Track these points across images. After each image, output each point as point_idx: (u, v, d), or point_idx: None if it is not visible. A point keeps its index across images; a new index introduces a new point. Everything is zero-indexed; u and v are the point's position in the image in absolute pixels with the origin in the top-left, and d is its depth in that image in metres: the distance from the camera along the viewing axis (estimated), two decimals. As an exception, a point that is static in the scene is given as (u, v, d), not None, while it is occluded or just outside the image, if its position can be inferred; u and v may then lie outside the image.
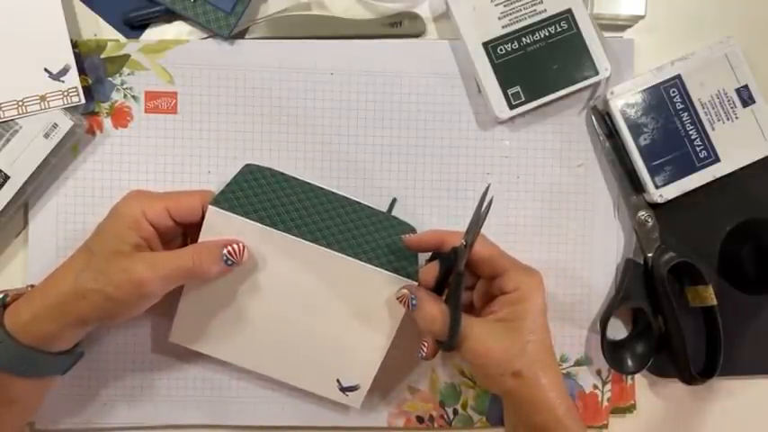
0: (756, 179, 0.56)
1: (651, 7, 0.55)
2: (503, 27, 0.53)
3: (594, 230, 0.56)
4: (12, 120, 0.50)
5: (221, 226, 0.46)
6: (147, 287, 0.44)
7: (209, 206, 0.46)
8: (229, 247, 0.45)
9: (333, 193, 0.53)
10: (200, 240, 0.47)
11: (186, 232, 0.50)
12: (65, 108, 0.51)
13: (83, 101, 0.51)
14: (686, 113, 0.54)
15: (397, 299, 0.47)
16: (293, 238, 0.46)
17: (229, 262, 0.45)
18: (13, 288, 0.47)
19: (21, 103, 0.50)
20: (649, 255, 0.55)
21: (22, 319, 0.44)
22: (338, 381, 0.52)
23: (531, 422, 0.45)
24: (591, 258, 0.56)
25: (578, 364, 0.57)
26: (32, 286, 0.48)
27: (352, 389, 0.52)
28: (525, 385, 0.45)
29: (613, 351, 0.55)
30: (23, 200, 0.52)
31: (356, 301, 0.49)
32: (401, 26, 0.55)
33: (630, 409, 0.57)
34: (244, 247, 0.46)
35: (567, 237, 0.56)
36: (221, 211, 0.46)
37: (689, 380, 0.54)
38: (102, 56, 0.53)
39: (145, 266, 0.44)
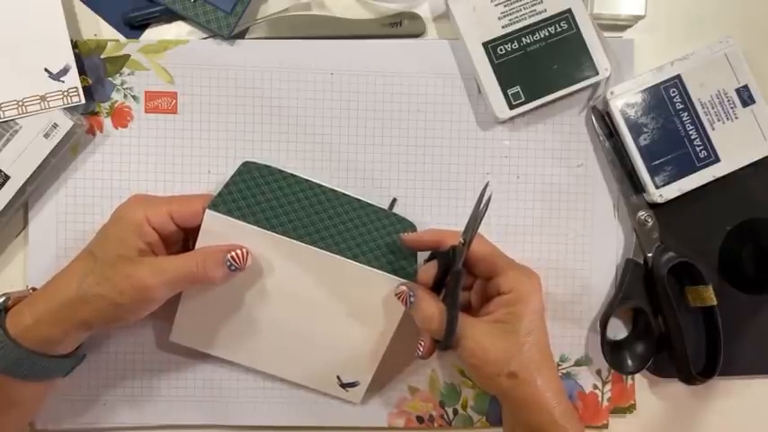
0: (756, 179, 0.56)
1: (651, 7, 0.55)
2: (503, 27, 0.53)
3: (594, 230, 0.56)
4: (12, 120, 0.50)
5: (219, 230, 0.46)
6: (151, 293, 0.44)
7: (207, 210, 0.46)
8: (233, 253, 0.45)
9: (332, 190, 0.53)
10: (198, 244, 0.47)
11: (188, 236, 0.50)
12: (65, 108, 0.51)
13: (83, 101, 0.51)
14: (686, 113, 0.54)
15: (396, 295, 0.47)
16: (291, 240, 0.46)
17: (233, 267, 0.45)
18: (14, 291, 0.47)
19: (21, 103, 0.50)
20: (649, 255, 0.55)
21: (24, 323, 0.44)
22: (338, 377, 0.52)
23: (528, 423, 0.45)
24: (591, 258, 0.56)
25: (578, 364, 0.57)
26: (34, 289, 0.48)
27: (352, 385, 0.52)
28: (520, 386, 0.45)
29: (613, 351, 0.55)
30: (23, 200, 0.52)
31: (355, 300, 0.49)
32: (401, 26, 0.55)
33: (630, 409, 0.57)
34: (247, 253, 0.46)
35: (567, 237, 0.56)
36: (218, 214, 0.46)
37: (689, 380, 0.55)
38: (102, 56, 0.53)
39: (149, 272, 0.44)
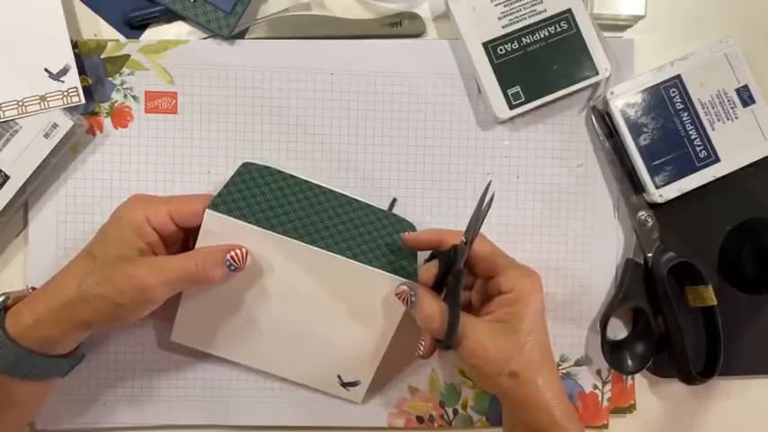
0: (756, 179, 0.56)
1: (651, 7, 0.55)
2: (503, 27, 0.53)
3: (594, 230, 0.56)
4: (12, 120, 0.50)
5: (219, 230, 0.46)
6: (150, 292, 0.44)
7: (207, 210, 0.46)
8: (232, 253, 0.45)
9: (332, 191, 0.53)
10: (198, 244, 0.47)
11: (188, 236, 0.50)
12: (65, 108, 0.51)
13: (83, 101, 0.51)
14: (686, 113, 0.54)
15: (396, 295, 0.47)
16: (291, 240, 0.46)
17: (233, 267, 0.45)
18: (14, 291, 0.47)
19: (21, 103, 0.50)
20: (649, 255, 0.55)
21: (24, 323, 0.44)
22: (339, 377, 0.52)
23: (528, 422, 0.45)
24: (591, 258, 0.56)
25: (578, 364, 0.57)
26: (34, 288, 0.48)
27: (353, 384, 0.52)
28: (521, 386, 0.45)
29: (613, 351, 0.55)
30: (23, 200, 0.52)
31: (355, 300, 0.49)
32: (401, 26, 0.55)
33: (630, 409, 0.57)
34: (247, 253, 0.46)
35: (567, 237, 0.56)
36: (218, 214, 0.46)
37: (689, 380, 0.55)
38: (102, 56, 0.53)
39: (149, 272, 0.44)
